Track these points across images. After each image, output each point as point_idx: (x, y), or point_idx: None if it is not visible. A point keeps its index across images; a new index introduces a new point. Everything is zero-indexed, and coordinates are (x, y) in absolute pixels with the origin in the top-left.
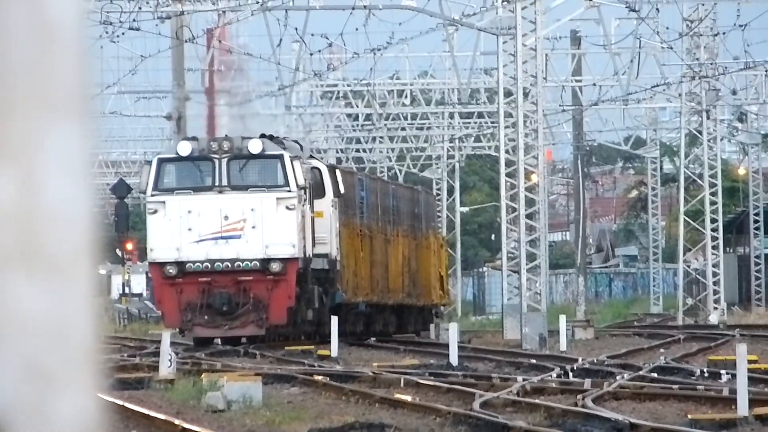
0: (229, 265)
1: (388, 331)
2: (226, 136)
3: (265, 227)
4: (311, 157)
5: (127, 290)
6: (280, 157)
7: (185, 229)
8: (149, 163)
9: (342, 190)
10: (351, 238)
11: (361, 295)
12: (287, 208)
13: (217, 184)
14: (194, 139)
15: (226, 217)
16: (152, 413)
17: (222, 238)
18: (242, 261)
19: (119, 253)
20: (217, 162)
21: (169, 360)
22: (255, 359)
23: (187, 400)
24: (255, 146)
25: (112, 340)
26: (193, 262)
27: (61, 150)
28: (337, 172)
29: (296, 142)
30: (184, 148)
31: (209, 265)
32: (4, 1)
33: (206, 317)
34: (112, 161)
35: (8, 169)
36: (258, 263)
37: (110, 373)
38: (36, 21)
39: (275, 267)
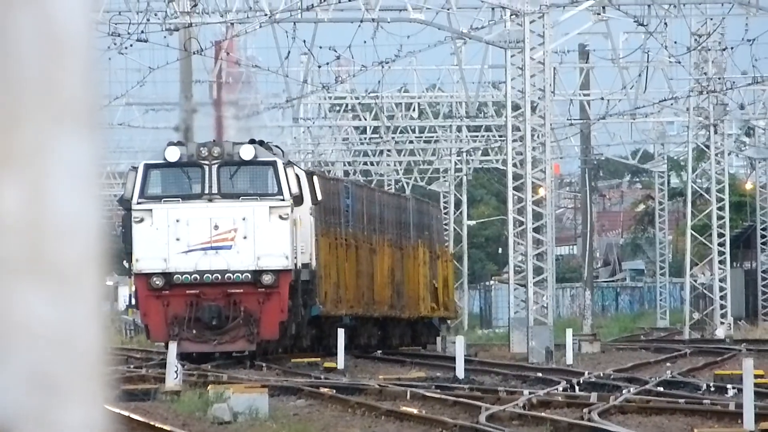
0: (219, 277)
1: (371, 345)
2: (215, 141)
3: (257, 238)
4: (289, 162)
5: (133, 302)
6: (273, 163)
7: (173, 238)
8: (135, 169)
9: (320, 198)
10: (334, 247)
11: (345, 308)
12: (280, 217)
13: (206, 191)
14: (183, 144)
15: (216, 227)
16: (158, 425)
17: (212, 248)
18: (233, 273)
19: (126, 264)
20: (206, 168)
21: (176, 371)
22: (261, 371)
23: (193, 411)
24: (247, 152)
25: (118, 352)
26: (181, 274)
27: (70, 161)
28: (315, 178)
29: (277, 147)
30: (172, 154)
31: (198, 277)
32: (12, 12)
33: (194, 331)
34: (120, 173)
35: (16, 180)
36: (249, 275)
37: (117, 385)
38: (44, 32)
39: (267, 279)
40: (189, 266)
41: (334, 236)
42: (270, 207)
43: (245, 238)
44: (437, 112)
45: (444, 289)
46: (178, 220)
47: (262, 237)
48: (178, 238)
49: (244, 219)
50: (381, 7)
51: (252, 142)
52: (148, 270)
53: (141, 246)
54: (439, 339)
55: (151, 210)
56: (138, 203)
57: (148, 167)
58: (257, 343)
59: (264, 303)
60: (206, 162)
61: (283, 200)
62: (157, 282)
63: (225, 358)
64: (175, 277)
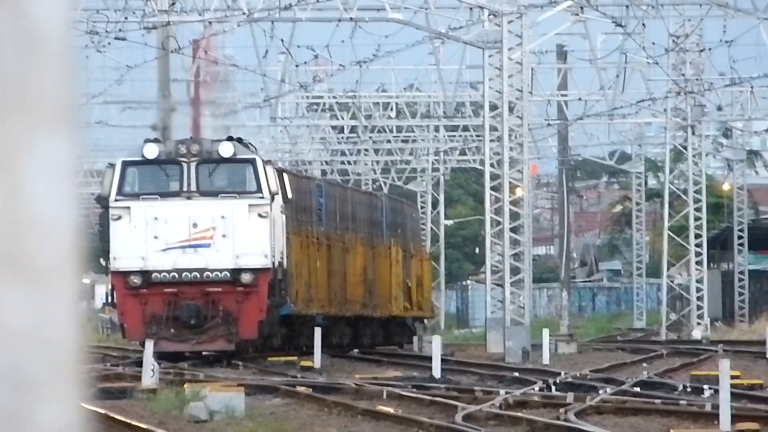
0: (198, 276)
1: (343, 344)
2: (194, 138)
3: (236, 236)
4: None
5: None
6: (252, 161)
7: (151, 236)
8: (112, 166)
9: (290, 195)
10: (306, 246)
11: (316, 307)
12: (260, 215)
13: (185, 189)
14: (161, 141)
15: (195, 225)
16: (135, 423)
17: (190, 246)
18: (211, 271)
19: (103, 262)
20: (185, 166)
21: (152, 370)
22: (238, 370)
23: (169, 410)
24: (226, 149)
25: (95, 350)
26: (159, 272)
27: (47, 159)
28: (285, 175)
29: (251, 144)
30: (151, 151)
31: (176, 275)
32: None
33: (172, 330)
34: (98, 171)
35: None
36: (228, 274)
37: (93, 383)
38: (22, 30)
39: (246, 278)
40: (167, 265)
41: (305, 235)
42: (249, 205)
43: (224, 236)
44: (415, 111)
45: (418, 288)
46: (156, 218)
47: (242, 235)
48: (156, 236)
49: (223, 217)
50: (359, 7)
51: (230, 139)
52: (126, 268)
53: (119, 244)
54: (415, 339)
55: (129, 207)
56: (116, 200)
57: (126, 164)
58: (236, 342)
59: (243, 302)
60: (185, 159)
61: (263, 198)
62: (135, 280)
63: (200, 357)
64: (153, 275)
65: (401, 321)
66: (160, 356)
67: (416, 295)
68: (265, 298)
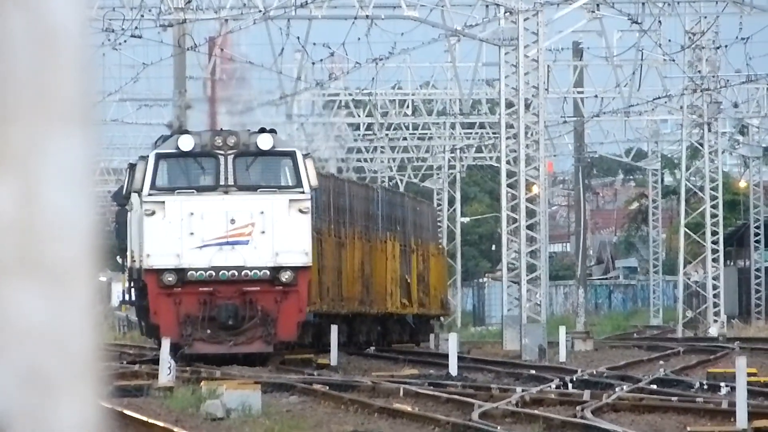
0: (236, 274)
1: (341, 342)
2: (231, 130)
3: (276, 232)
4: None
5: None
6: (292, 154)
7: (186, 233)
8: (144, 158)
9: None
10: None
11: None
12: (300, 211)
13: (222, 183)
14: (196, 132)
15: (233, 221)
16: (151, 420)
17: (227, 243)
18: (250, 269)
19: (120, 260)
20: (222, 159)
21: (169, 368)
22: (254, 367)
23: (186, 407)
24: (265, 142)
25: (111, 348)
26: (195, 270)
27: (63, 157)
28: None
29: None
30: (186, 143)
31: (213, 274)
32: (5, 8)
33: (208, 331)
34: (114, 169)
35: (9, 177)
36: (267, 272)
37: (110, 381)
38: (38, 28)
39: (286, 277)
40: (203, 262)
41: None
42: (290, 200)
43: (263, 232)
44: (431, 109)
45: (420, 284)
46: (192, 214)
47: (281, 232)
48: (192, 233)
49: (261, 213)
50: (375, 5)
51: (263, 130)
52: (160, 266)
53: (152, 240)
54: (432, 336)
55: (163, 202)
56: (149, 195)
57: (159, 157)
58: (274, 344)
59: (282, 302)
60: (221, 152)
61: (303, 193)
62: (169, 279)
63: (235, 359)
64: (188, 273)
65: (400, 318)
66: (194, 358)
67: (417, 292)
68: (305, 297)
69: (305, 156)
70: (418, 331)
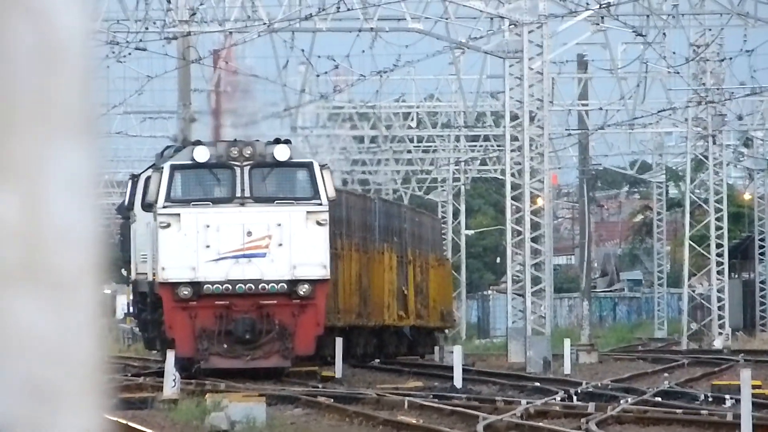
0: (252, 287)
1: (327, 355)
2: (247, 140)
3: (293, 245)
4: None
5: (131, 310)
6: (309, 165)
7: (202, 246)
8: (159, 170)
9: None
10: None
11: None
12: (318, 223)
13: (238, 195)
14: (211, 143)
15: (249, 233)
16: None
17: (244, 256)
18: (267, 283)
19: (124, 272)
20: (238, 170)
21: (173, 380)
22: (258, 380)
23: (190, 420)
24: (281, 152)
25: (116, 360)
26: (212, 283)
27: (67, 170)
28: None
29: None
30: (201, 154)
31: (229, 287)
32: (9, 20)
33: (225, 346)
34: (118, 181)
35: (14, 189)
36: (285, 285)
37: (114, 393)
38: (43, 41)
39: (304, 290)
40: (219, 276)
41: None
42: (307, 212)
43: (280, 245)
44: (435, 121)
45: (417, 296)
46: (208, 226)
47: (299, 244)
48: (208, 245)
49: (279, 225)
50: (379, 17)
51: (278, 141)
52: (175, 279)
53: (167, 253)
54: (436, 348)
55: (178, 214)
56: (164, 207)
57: (174, 168)
58: (291, 359)
59: (299, 316)
60: (237, 163)
61: (321, 204)
62: (185, 292)
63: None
64: (204, 287)
65: (397, 330)
66: (209, 373)
67: (414, 303)
68: (323, 311)
69: (322, 167)
70: (417, 344)
